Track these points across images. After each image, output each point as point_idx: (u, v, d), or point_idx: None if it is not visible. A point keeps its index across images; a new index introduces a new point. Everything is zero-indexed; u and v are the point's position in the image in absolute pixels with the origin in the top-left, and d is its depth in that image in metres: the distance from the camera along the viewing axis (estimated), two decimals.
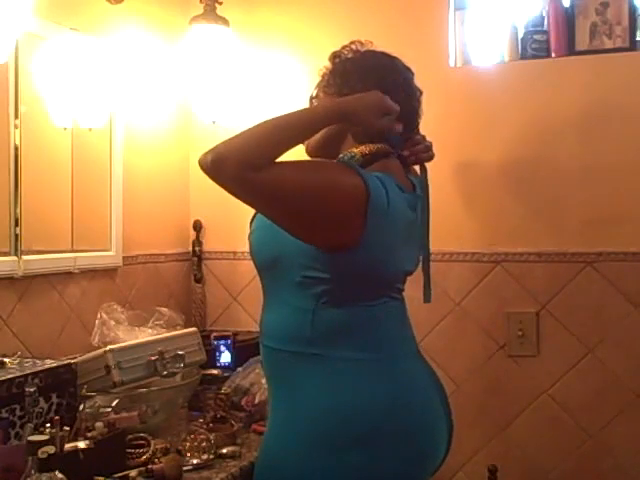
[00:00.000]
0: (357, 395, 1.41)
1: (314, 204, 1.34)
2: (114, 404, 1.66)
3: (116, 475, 1.51)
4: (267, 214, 1.40)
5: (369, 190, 1.36)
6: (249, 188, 1.31)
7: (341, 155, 1.49)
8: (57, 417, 1.45)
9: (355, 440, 1.39)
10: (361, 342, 1.44)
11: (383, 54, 1.57)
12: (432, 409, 1.49)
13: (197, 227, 2.71)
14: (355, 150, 1.48)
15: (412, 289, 1.59)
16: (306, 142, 1.53)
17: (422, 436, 1.45)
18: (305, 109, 1.51)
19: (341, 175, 1.38)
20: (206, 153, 1.33)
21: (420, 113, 1.55)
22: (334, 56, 1.59)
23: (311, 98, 1.61)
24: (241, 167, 1.29)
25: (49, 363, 1.64)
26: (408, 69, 1.56)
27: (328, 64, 1.59)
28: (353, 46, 1.59)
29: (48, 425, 1.42)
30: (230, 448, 1.72)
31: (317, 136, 1.49)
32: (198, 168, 2.95)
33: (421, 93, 1.56)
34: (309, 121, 1.41)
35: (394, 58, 1.56)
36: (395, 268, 1.49)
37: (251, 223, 1.56)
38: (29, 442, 1.23)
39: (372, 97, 1.43)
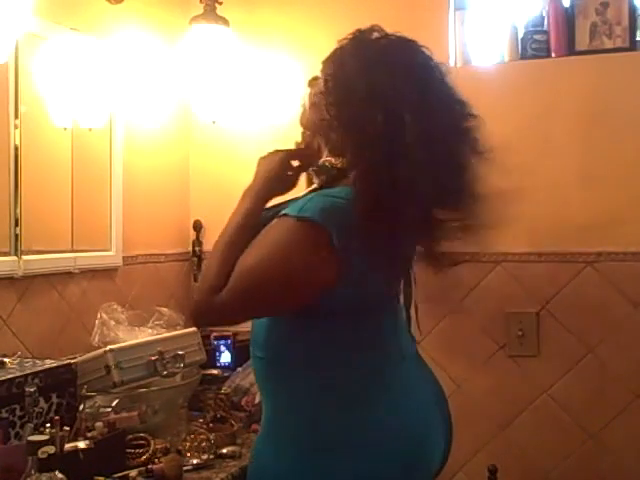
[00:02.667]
0: (347, 401, 1.39)
1: (280, 275, 1.34)
2: (114, 404, 1.66)
3: (116, 475, 1.51)
4: (255, 314, 1.43)
5: (328, 231, 1.31)
6: (226, 308, 1.34)
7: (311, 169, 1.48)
8: (57, 417, 1.45)
9: (345, 445, 1.37)
10: (353, 345, 1.42)
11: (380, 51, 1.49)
12: (428, 415, 1.47)
13: (197, 227, 2.71)
14: (331, 160, 1.45)
15: None
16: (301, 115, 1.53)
17: (414, 441, 1.42)
18: (232, 216, 1.46)
19: (292, 233, 1.33)
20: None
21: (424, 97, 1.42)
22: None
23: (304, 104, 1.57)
24: (209, 296, 1.34)
25: (49, 363, 1.64)
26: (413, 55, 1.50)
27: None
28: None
29: (48, 425, 1.42)
30: (230, 448, 1.72)
31: (312, 119, 1.49)
32: (198, 168, 2.96)
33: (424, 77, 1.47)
34: (241, 224, 1.41)
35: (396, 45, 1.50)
36: (378, 283, 1.43)
37: None
38: (29, 442, 1.23)
39: (263, 167, 1.48)
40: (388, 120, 1.34)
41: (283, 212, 1.36)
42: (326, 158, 1.45)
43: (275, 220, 1.37)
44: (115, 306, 2.08)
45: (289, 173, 1.50)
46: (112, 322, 2.00)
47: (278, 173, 1.48)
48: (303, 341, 1.40)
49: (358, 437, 1.38)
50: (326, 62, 1.50)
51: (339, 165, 1.43)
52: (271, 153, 1.51)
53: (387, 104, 1.35)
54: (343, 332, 1.41)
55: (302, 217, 1.32)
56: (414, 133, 1.34)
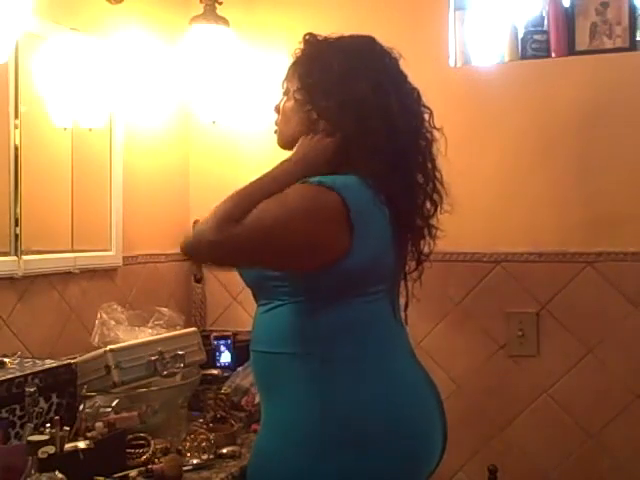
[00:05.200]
0: (349, 395, 1.40)
1: (298, 233, 1.36)
2: (114, 404, 1.66)
3: (116, 475, 1.51)
4: (256, 261, 1.40)
5: (347, 202, 1.37)
6: (233, 239, 1.33)
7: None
8: (57, 417, 1.45)
9: (347, 440, 1.38)
10: (355, 340, 1.43)
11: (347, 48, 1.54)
12: (426, 409, 1.48)
13: None
14: None
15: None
16: (279, 135, 1.58)
17: (415, 437, 1.44)
18: (278, 172, 1.47)
19: (316, 198, 1.38)
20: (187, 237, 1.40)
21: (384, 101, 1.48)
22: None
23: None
24: (222, 223, 1.34)
25: (49, 363, 1.65)
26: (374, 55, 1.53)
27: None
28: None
29: (48, 425, 1.42)
30: (230, 448, 1.72)
31: (290, 131, 1.54)
32: (198, 168, 2.96)
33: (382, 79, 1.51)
34: (283, 183, 1.41)
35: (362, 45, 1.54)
36: (383, 262, 1.47)
37: None
38: (29, 442, 1.23)
39: (309, 144, 1.49)
40: (375, 89, 1.45)
41: (302, 180, 1.41)
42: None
43: (296, 184, 1.40)
44: (115, 306, 2.08)
45: None
46: (112, 322, 2.00)
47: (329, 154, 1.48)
48: (319, 328, 1.41)
49: (359, 432, 1.39)
50: (295, 65, 1.56)
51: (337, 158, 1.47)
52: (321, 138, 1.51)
53: (366, 72, 1.47)
54: (355, 314, 1.43)
55: (323, 183, 1.38)
56: (397, 103, 1.47)
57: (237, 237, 1.33)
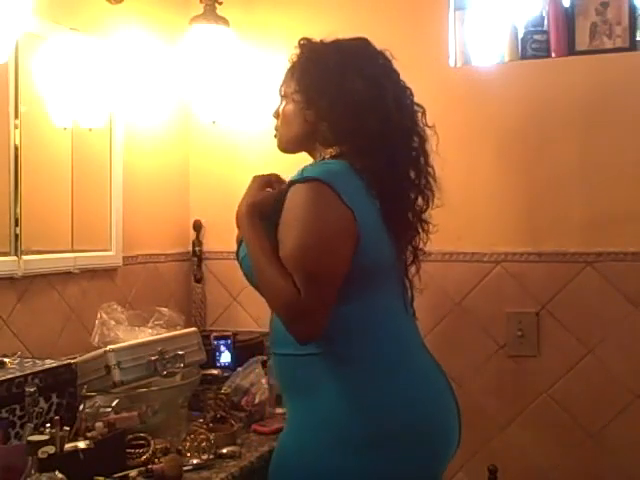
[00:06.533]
0: (372, 393, 1.41)
1: (329, 234, 1.38)
2: (114, 404, 1.66)
3: (116, 475, 1.51)
4: (338, 280, 1.40)
5: (335, 188, 1.38)
6: (313, 304, 1.35)
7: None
8: (57, 417, 1.45)
9: (372, 439, 1.39)
10: (372, 337, 1.44)
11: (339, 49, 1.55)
12: (445, 403, 1.51)
13: (197, 227, 2.71)
14: (324, 156, 1.51)
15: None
16: (279, 138, 1.60)
17: (439, 432, 1.47)
18: (249, 245, 1.47)
19: (308, 199, 1.38)
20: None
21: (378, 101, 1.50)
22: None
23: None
24: (290, 310, 1.36)
25: (49, 363, 1.64)
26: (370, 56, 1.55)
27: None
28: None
29: (48, 425, 1.42)
30: (230, 448, 1.72)
31: (290, 134, 1.56)
32: (198, 168, 2.97)
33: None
34: (258, 247, 1.43)
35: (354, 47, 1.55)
36: (385, 253, 1.48)
37: (239, 247, 1.55)
38: (29, 442, 1.22)
39: (247, 190, 1.51)
40: (371, 87, 1.47)
41: (290, 181, 1.42)
42: (321, 155, 1.52)
43: (288, 194, 1.41)
44: (115, 306, 2.08)
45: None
46: (112, 322, 2.00)
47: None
48: (336, 327, 1.40)
49: (383, 431, 1.40)
50: (292, 68, 1.59)
51: (332, 154, 1.50)
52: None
53: (362, 71, 1.49)
54: (369, 310, 1.45)
55: (309, 178, 1.39)
56: (393, 101, 1.48)
57: (311, 299, 1.34)
